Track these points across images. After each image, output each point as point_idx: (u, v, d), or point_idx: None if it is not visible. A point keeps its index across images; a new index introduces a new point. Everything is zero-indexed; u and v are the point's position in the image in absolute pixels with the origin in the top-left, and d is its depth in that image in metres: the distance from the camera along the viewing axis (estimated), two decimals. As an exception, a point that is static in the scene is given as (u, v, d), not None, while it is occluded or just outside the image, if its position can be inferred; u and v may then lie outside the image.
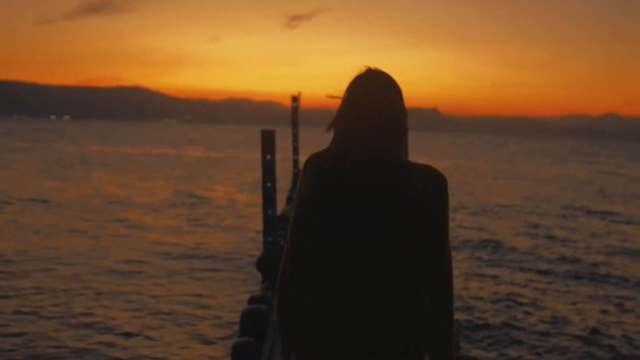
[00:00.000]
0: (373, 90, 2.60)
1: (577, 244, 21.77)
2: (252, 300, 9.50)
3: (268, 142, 11.71)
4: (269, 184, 11.76)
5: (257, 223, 14.23)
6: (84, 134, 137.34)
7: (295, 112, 26.05)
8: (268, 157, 11.71)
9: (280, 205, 19.02)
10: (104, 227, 21.68)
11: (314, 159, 2.67)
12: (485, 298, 14.14)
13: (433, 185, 2.55)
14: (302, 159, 32.44)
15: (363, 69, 2.68)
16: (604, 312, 13.37)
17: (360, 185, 2.54)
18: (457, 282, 14.91)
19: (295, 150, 26.77)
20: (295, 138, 26.39)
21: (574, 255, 19.42)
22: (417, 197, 2.50)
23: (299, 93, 25.82)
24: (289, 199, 21.88)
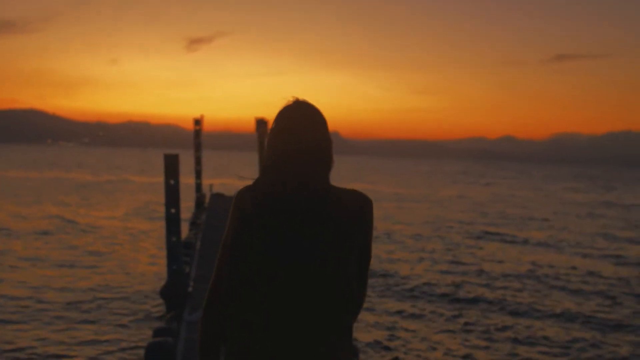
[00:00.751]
0: (301, 120, 2.73)
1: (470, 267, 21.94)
2: (157, 332, 9.07)
3: (171, 166, 11.33)
4: (172, 210, 11.37)
5: (157, 249, 13.63)
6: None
7: (198, 135, 25.55)
8: (172, 182, 11.33)
9: (184, 232, 18.54)
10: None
11: (245, 191, 2.76)
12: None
13: (359, 207, 2.72)
14: (206, 182, 31.90)
15: (290, 100, 2.80)
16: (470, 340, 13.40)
17: (293, 212, 2.66)
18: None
19: (198, 175, 26.21)
20: (197, 161, 25.85)
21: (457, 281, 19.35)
22: (345, 220, 2.67)
23: (202, 116, 25.39)
24: (193, 224, 21.37)
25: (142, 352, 8.67)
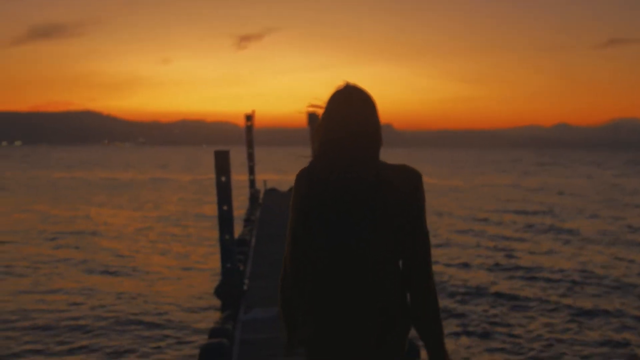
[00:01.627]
0: (351, 105, 2.92)
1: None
2: (212, 333, 8.82)
3: (222, 163, 11.09)
4: (225, 207, 11.13)
5: (212, 247, 13.29)
6: (53, 160, 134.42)
7: (249, 131, 25.26)
8: (223, 178, 11.10)
9: (238, 229, 18.34)
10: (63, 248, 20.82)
11: (304, 173, 2.98)
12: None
13: (409, 181, 2.87)
14: (259, 178, 31.73)
15: (342, 84, 2.99)
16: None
17: (347, 190, 2.85)
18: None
19: (251, 170, 25.97)
20: (250, 158, 25.60)
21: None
22: (396, 194, 2.83)
23: (253, 111, 25.08)
24: (247, 221, 21.13)
25: (197, 352, 8.42)
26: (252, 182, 26.18)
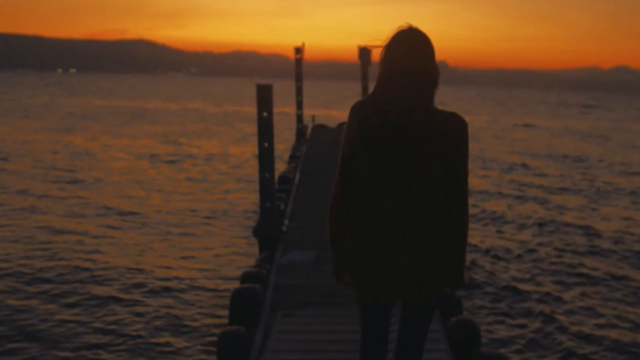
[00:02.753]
0: (413, 47, 3.15)
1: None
2: (245, 277, 8.41)
3: (264, 98, 10.54)
4: (266, 144, 10.61)
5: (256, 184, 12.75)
6: (108, 89, 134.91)
7: (299, 65, 24.46)
8: (265, 114, 10.56)
9: (281, 167, 17.88)
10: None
11: (359, 106, 3.25)
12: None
13: (457, 128, 3.17)
14: (307, 113, 31.13)
15: (404, 26, 3.20)
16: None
17: (400, 128, 3.12)
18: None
19: (299, 105, 25.26)
20: (299, 92, 24.80)
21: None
22: (444, 138, 3.13)
23: (303, 44, 24.24)
24: (292, 157, 20.61)
25: (228, 296, 8.05)
26: (299, 117, 25.46)
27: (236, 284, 8.61)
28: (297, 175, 16.79)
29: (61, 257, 12.44)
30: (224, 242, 14.02)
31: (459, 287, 3.48)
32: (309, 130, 28.28)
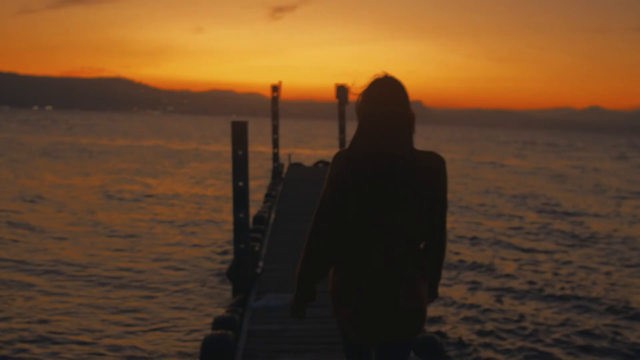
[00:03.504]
0: (389, 94, 3.36)
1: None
2: (217, 323, 7.99)
3: (240, 135, 10.21)
4: (240, 183, 10.25)
5: (230, 224, 12.25)
6: (82, 127, 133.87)
7: (275, 103, 24.21)
8: (240, 152, 10.21)
9: (251, 205, 17.45)
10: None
11: (344, 153, 3.40)
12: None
13: (436, 166, 3.37)
14: (284, 151, 30.83)
15: (380, 74, 3.41)
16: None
17: (383, 169, 3.29)
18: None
19: (275, 143, 24.92)
20: (275, 130, 24.51)
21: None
22: (426, 176, 3.33)
23: (280, 82, 24.00)
24: (268, 196, 20.21)
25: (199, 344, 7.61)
26: (275, 156, 25.11)
27: (208, 330, 8.20)
28: (273, 215, 16.42)
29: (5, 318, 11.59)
30: (196, 284, 13.50)
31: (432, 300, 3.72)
32: (285, 169, 27.96)
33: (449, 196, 3.59)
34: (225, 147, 66.26)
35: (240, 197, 10.27)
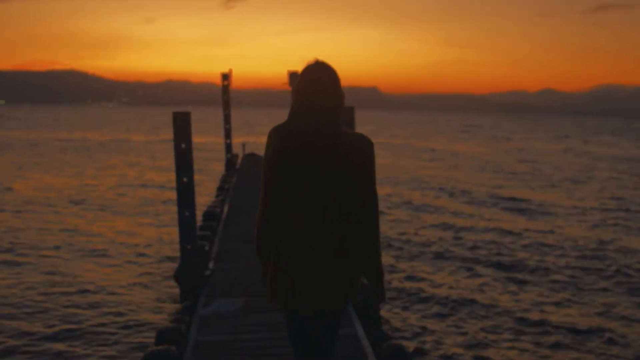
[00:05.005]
0: (318, 82, 3.68)
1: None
2: (160, 336, 7.24)
3: (182, 127, 9.43)
4: (184, 179, 9.47)
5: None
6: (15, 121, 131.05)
7: (226, 91, 23.30)
8: (183, 145, 9.43)
9: (200, 201, 16.58)
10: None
11: (276, 130, 3.71)
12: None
13: (362, 147, 3.65)
14: (236, 141, 29.99)
15: (311, 60, 3.76)
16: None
17: (311, 148, 3.59)
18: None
19: (228, 133, 24.05)
20: (227, 119, 23.62)
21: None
22: (351, 155, 3.60)
23: (230, 70, 23.14)
24: (220, 189, 19.37)
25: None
26: (228, 147, 24.22)
27: (152, 341, 7.44)
28: (226, 209, 15.64)
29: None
30: (142, 288, 12.58)
31: (382, 300, 3.90)
32: (239, 160, 27.15)
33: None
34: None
35: (185, 194, 9.49)
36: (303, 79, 3.71)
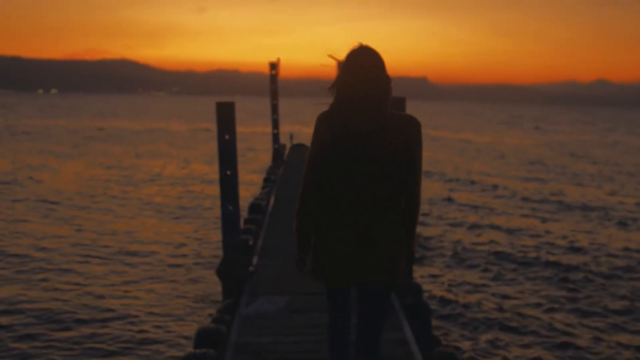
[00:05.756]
0: (365, 62, 3.68)
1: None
2: (200, 337, 6.89)
3: (226, 118, 9.05)
4: (228, 172, 9.11)
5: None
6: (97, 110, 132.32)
7: (274, 81, 22.89)
8: (227, 137, 9.06)
9: (246, 194, 16.23)
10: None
11: (325, 114, 3.79)
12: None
13: (410, 127, 3.72)
14: (285, 130, 29.61)
15: (356, 45, 3.74)
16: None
17: (361, 129, 3.68)
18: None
19: (275, 124, 23.64)
20: (274, 109, 23.17)
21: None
22: (398, 135, 3.67)
23: (278, 59, 22.69)
24: (267, 181, 18.97)
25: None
26: (275, 137, 23.80)
27: (190, 344, 7.11)
28: (272, 202, 15.28)
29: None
30: (184, 284, 12.29)
31: (412, 261, 4.05)
32: (286, 151, 26.77)
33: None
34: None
35: (229, 187, 9.14)
36: (347, 64, 3.73)
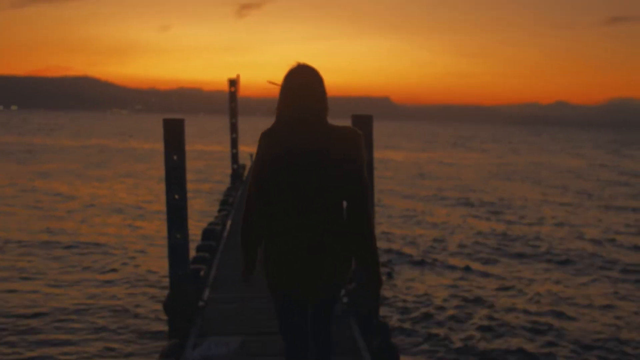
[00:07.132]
0: (301, 80, 3.82)
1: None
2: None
3: (175, 137, 8.15)
4: (176, 196, 8.19)
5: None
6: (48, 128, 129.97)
7: (233, 99, 21.95)
8: (175, 157, 8.15)
9: (200, 218, 15.26)
10: None
11: (267, 131, 3.86)
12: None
13: (350, 139, 3.77)
14: (244, 150, 28.73)
15: (294, 64, 3.87)
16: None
17: (302, 144, 3.73)
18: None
19: (234, 143, 22.64)
20: (233, 128, 22.21)
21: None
22: (339, 148, 3.72)
23: (238, 76, 21.81)
24: (224, 203, 17.99)
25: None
26: (234, 157, 22.83)
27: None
28: (228, 227, 14.34)
29: None
30: (127, 319, 11.20)
31: (379, 287, 3.98)
32: (246, 172, 25.87)
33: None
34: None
35: (176, 214, 8.21)
36: (285, 83, 3.84)
